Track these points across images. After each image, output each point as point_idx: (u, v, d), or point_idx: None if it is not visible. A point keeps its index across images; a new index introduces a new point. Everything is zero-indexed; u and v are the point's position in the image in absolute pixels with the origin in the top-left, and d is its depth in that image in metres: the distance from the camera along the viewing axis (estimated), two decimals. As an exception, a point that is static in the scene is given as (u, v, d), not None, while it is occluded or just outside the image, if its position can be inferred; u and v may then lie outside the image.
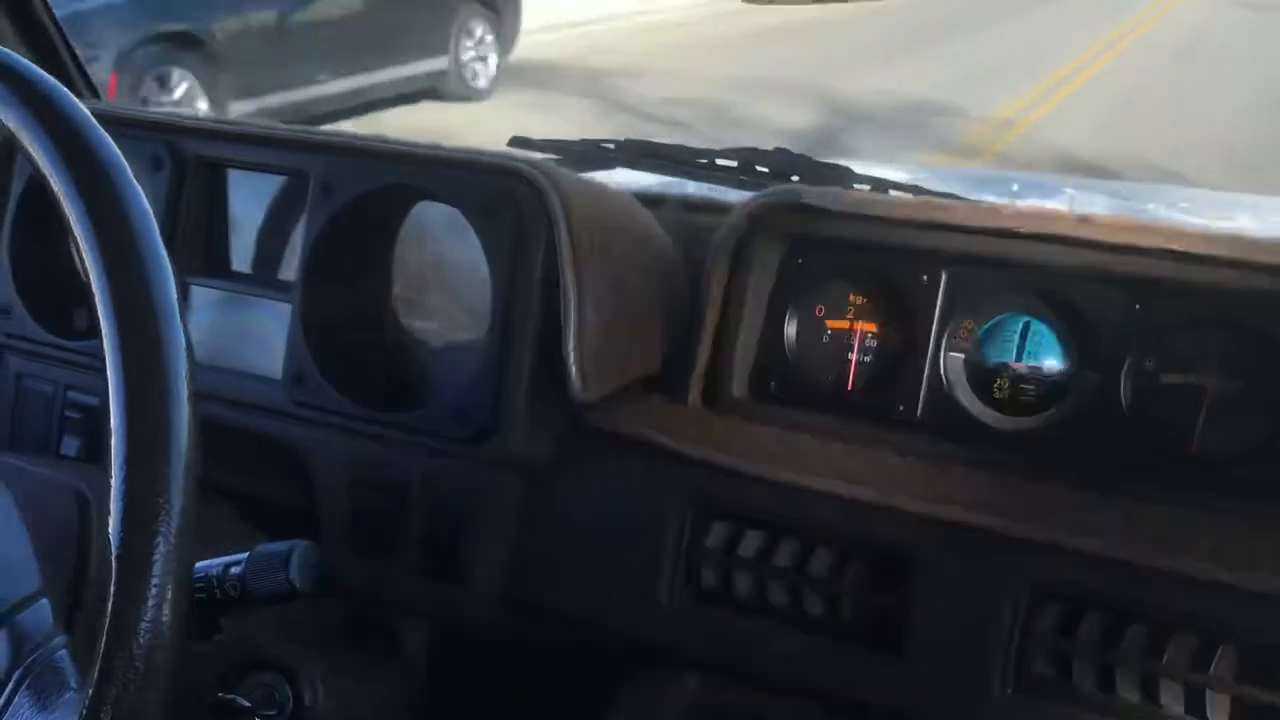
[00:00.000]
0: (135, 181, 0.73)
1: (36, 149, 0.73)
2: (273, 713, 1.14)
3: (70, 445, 1.34)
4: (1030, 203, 1.75)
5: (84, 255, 0.71)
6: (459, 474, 1.17)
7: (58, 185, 0.72)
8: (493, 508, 1.17)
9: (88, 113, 0.74)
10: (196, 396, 0.70)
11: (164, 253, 0.71)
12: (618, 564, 1.14)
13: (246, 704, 1.08)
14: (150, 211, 0.73)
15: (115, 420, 0.68)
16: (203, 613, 0.96)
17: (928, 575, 1.03)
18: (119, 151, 0.73)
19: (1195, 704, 0.94)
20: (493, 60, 8.07)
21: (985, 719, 1.00)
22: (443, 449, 1.17)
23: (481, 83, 7.99)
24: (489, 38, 8.01)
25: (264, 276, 1.32)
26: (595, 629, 1.16)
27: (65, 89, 0.76)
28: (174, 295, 0.71)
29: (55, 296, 1.37)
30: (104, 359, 0.69)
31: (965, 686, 1.00)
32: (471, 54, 7.88)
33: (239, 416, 1.25)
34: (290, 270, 1.28)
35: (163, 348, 0.70)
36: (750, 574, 1.11)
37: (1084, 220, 1.04)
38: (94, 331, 1.35)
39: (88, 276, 0.70)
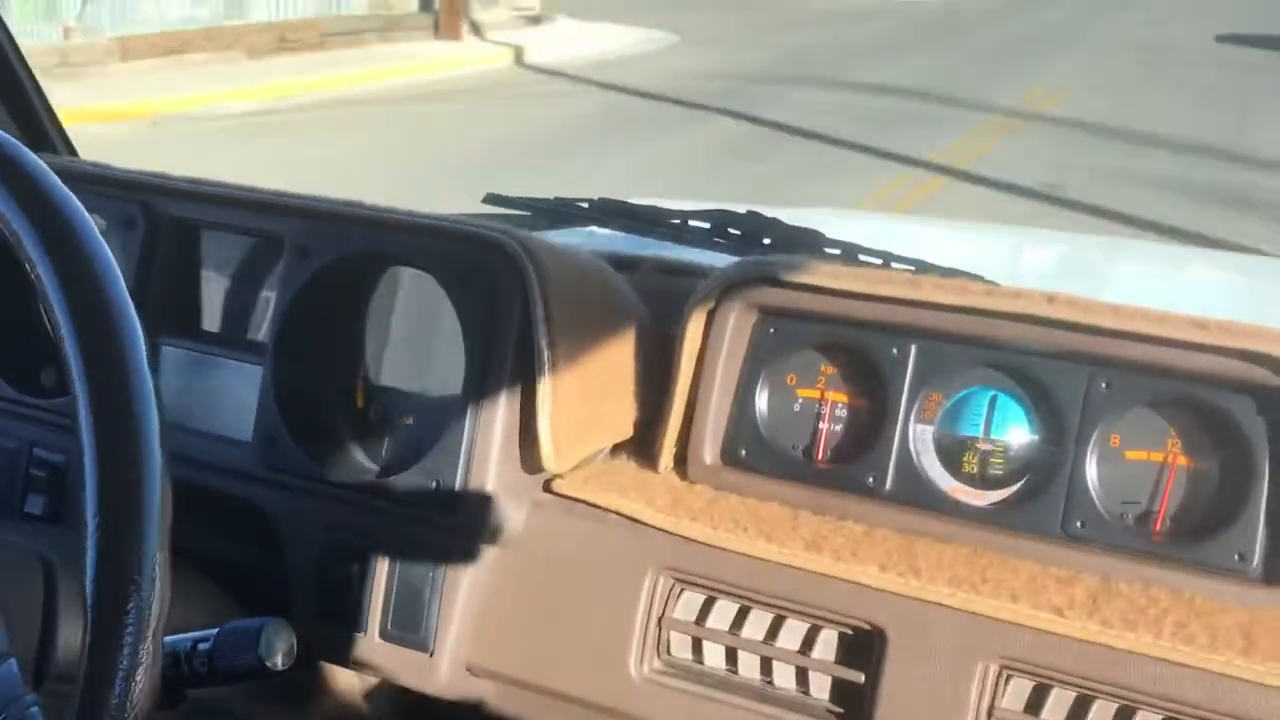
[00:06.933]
0: (103, 242, 0.73)
1: (4, 211, 0.73)
2: (237, 784, 1.13)
3: (35, 504, 1.33)
4: (1002, 255, 1.77)
5: (54, 318, 0.71)
6: (428, 540, 1.17)
7: (27, 246, 0.72)
8: (461, 575, 1.17)
9: (52, 173, 0.75)
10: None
11: (134, 314, 0.72)
12: (586, 633, 1.14)
13: (211, 776, 1.07)
14: (119, 273, 0.73)
15: (89, 486, 0.69)
16: (169, 686, 0.95)
17: (895, 650, 1.03)
18: (85, 211, 0.74)
19: None
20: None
21: None
22: (412, 515, 1.17)
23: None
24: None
25: (235, 337, 1.31)
26: (562, 699, 1.16)
27: (28, 149, 0.76)
28: (145, 359, 0.71)
29: (21, 354, 1.36)
30: (76, 420, 0.69)
31: None
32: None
33: (208, 478, 1.24)
34: (261, 331, 1.28)
35: (136, 412, 0.70)
36: (720, 645, 1.11)
37: (1050, 299, 1.06)
38: (61, 389, 1.35)
39: (59, 338, 0.70)
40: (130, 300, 0.73)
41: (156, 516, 0.70)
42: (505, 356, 1.13)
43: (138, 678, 0.68)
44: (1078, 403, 1.07)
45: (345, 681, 1.30)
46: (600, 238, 1.59)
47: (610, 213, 1.57)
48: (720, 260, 1.47)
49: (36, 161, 0.76)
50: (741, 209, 1.53)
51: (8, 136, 0.77)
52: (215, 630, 0.93)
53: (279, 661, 0.91)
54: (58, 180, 0.75)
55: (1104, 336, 1.04)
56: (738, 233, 1.49)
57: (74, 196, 0.75)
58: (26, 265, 0.72)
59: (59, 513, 1.32)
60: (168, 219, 1.29)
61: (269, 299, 1.26)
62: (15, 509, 1.33)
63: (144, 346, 0.72)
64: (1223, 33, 16.70)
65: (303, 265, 1.21)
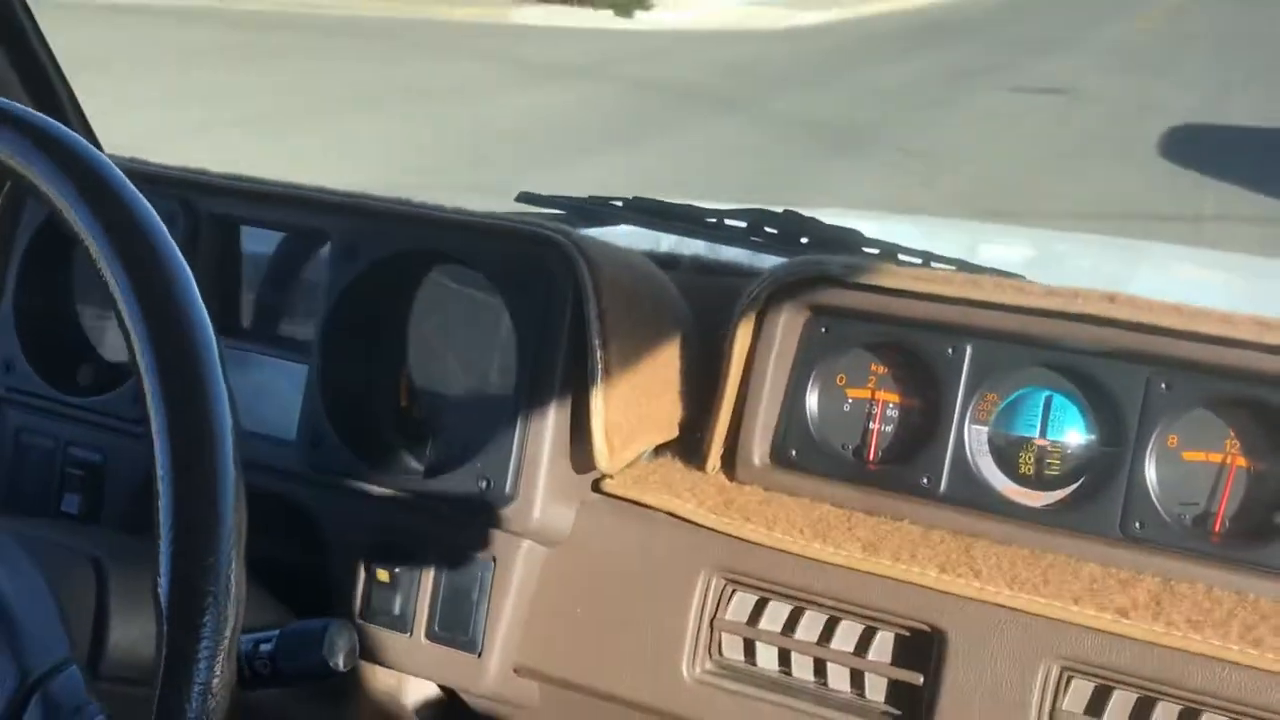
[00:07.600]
0: (176, 246, 0.72)
1: (72, 211, 0.72)
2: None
3: (70, 503, 1.32)
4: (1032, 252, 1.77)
5: (125, 321, 0.70)
6: (476, 541, 1.16)
7: (96, 249, 0.71)
8: (509, 575, 1.16)
9: (124, 176, 0.74)
10: None
11: (207, 317, 0.71)
12: (637, 634, 1.13)
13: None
14: (191, 275, 0.72)
15: (163, 501, 0.68)
16: None
17: (954, 652, 1.02)
18: (155, 212, 0.73)
19: None
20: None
21: None
22: (461, 516, 1.16)
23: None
24: None
25: (277, 335, 1.30)
26: (612, 700, 1.15)
27: (98, 150, 0.75)
28: (218, 361, 0.70)
29: (59, 351, 1.35)
30: (147, 428, 0.68)
31: None
32: None
33: (250, 477, 1.22)
34: (304, 329, 1.27)
35: (211, 416, 0.69)
36: (773, 647, 1.10)
37: (1111, 299, 1.05)
38: (97, 388, 1.33)
39: (129, 341, 0.69)
40: (203, 303, 0.72)
41: (232, 532, 0.69)
42: (558, 355, 1.12)
43: (214, 690, 0.67)
44: (1137, 403, 1.07)
45: (385, 681, 1.28)
46: (635, 236, 1.58)
47: (645, 211, 1.56)
48: (758, 259, 1.46)
49: (111, 166, 0.74)
50: (778, 208, 1.52)
51: (76, 135, 0.76)
52: (275, 631, 0.92)
53: (341, 662, 0.90)
54: (131, 186, 0.74)
55: (1167, 337, 1.03)
56: (774, 231, 1.48)
57: (144, 198, 0.74)
58: (95, 266, 0.71)
59: (95, 511, 1.31)
60: (208, 215, 1.28)
61: (311, 296, 1.25)
62: (52, 508, 1.32)
63: (217, 350, 0.71)
64: (1178, 124, 9.14)
65: (351, 263, 1.19)
